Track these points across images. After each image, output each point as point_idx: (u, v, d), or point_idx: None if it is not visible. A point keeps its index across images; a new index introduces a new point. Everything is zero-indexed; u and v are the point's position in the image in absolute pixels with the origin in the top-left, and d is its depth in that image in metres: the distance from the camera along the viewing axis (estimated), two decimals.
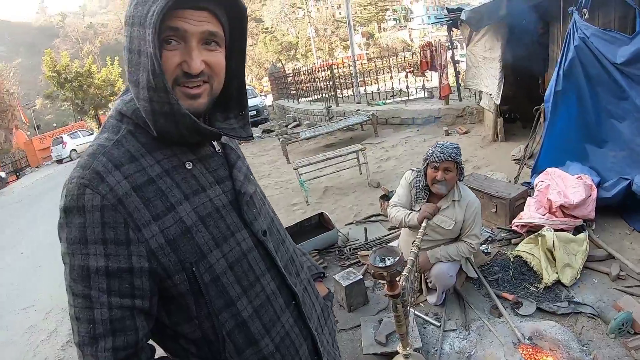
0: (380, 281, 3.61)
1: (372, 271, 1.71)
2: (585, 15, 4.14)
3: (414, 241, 2.62)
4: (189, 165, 1.00)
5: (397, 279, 1.78)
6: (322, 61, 21.88)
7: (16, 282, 6.45)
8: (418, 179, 3.07)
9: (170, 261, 0.93)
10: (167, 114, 0.91)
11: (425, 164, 2.99)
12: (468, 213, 2.97)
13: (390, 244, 3.62)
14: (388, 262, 1.68)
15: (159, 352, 1.03)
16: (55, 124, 50.75)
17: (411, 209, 3.09)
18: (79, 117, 37.23)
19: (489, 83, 7.23)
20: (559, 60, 4.35)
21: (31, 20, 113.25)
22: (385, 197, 5.15)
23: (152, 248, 0.91)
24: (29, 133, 34.67)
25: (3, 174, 21.49)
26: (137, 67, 0.91)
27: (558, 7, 4.67)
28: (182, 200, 0.96)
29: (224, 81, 1.03)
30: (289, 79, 18.24)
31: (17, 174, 25.72)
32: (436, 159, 2.85)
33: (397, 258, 1.67)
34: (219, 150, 1.10)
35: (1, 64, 53.11)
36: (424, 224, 2.62)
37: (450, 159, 2.83)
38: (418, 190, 3.06)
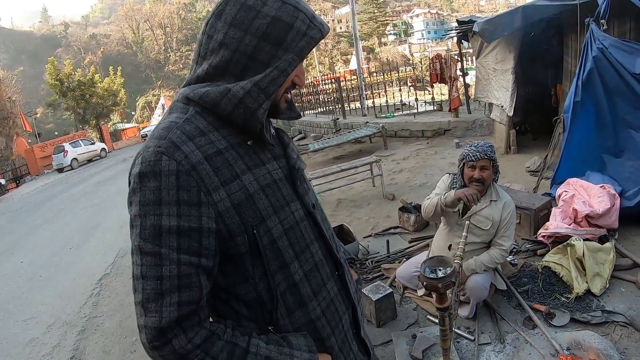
0: (408, 294, 3.59)
1: (425, 283, 1.70)
2: (603, 26, 4.17)
3: (450, 245, 2.56)
4: (250, 142, 1.11)
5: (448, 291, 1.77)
6: (324, 75, 22.20)
7: (15, 293, 6.23)
8: (455, 180, 3.09)
9: (235, 223, 1.02)
10: (249, 110, 1.03)
11: (462, 164, 3.02)
12: (505, 213, 2.99)
13: (420, 255, 3.60)
14: (440, 274, 1.66)
15: None
16: (56, 133, 50.93)
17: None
18: (80, 126, 37.39)
19: (500, 95, 7.25)
20: (577, 71, 4.38)
21: (34, 29, 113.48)
22: (404, 209, 5.13)
23: (219, 210, 0.99)
24: (29, 141, 34.18)
25: (3, 181, 20.90)
26: (249, 68, 1.03)
27: (574, 19, 4.70)
28: (245, 171, 1.05)
29: None
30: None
31: (17, 181, 25.41)
32: (473, 158, 2.89)
33: (451, 269, 1.65)
34: (273, 133, 1.26)
35: (3, 71, 53.44)
36: (465, 228, 2.59)
37: (486, 156, 2.88)
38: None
